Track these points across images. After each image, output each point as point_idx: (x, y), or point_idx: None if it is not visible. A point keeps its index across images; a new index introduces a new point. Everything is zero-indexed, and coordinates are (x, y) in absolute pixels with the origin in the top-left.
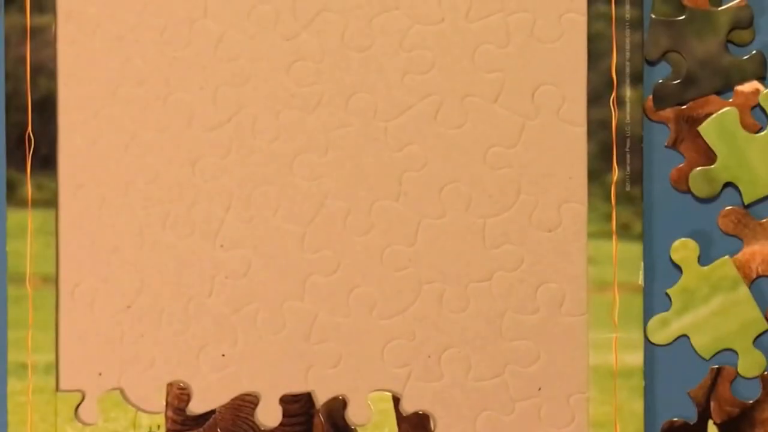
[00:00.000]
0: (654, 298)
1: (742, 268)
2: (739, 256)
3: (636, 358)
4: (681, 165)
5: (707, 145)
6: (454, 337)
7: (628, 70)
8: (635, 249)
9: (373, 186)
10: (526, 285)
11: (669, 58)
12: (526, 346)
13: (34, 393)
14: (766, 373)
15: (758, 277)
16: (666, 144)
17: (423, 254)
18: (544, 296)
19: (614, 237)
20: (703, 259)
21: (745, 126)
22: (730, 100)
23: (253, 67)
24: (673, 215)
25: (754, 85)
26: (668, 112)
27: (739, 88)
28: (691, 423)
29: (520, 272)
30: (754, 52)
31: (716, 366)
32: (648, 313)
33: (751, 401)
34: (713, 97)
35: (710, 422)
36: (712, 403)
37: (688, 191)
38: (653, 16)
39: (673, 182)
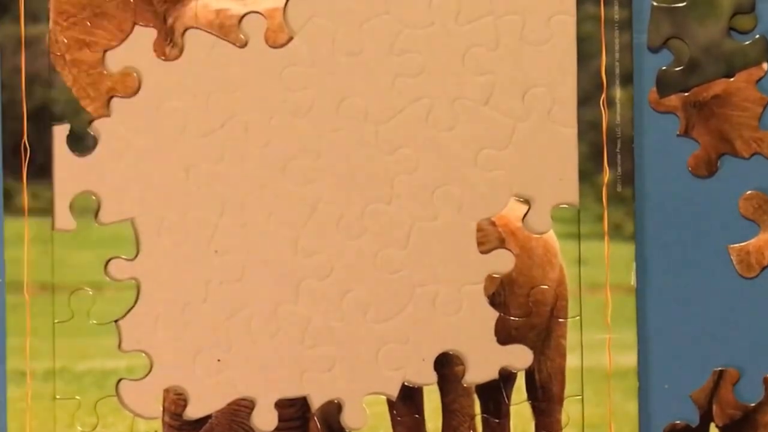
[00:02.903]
0: (646, 299)
1: (755, 254)
2: (754, 241)
3: (630, 359)
4: (696, 151)
5: (720, 127)
6: (448, 339)
7: (617, 70)
8: (627, 249)
9: (365, 189)
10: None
11: (671, 45)
12: (519, 349)
13: (33, 400)
14: None
15: None
16: (678, 132)
17: (416, 257)
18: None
19: (606, 238)
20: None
21: (752, 101)
22: (733, 79)
23: (245, 73)
24: (665, 215)
25: None
26: (674, 101)
27: None
28: (693, 426)
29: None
30: (757, 36)
31: (719, 368)
32: (641, 314)
33: (753, 404)
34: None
35: (712, 425)
36: (714, 406)
37: (708, 176)
38: (654, 4)
39: (692, 169)
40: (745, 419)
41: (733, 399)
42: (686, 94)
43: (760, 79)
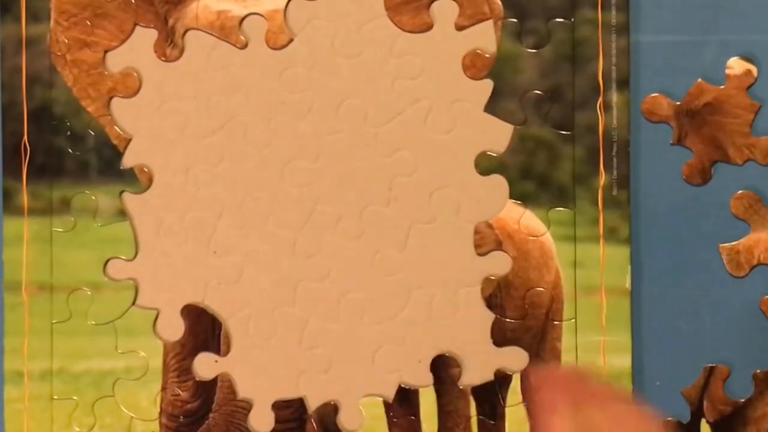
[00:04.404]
0: (641, 302)
1: (744, 253)
2: (744, 240)
3: (624, 361)
4: (690, 160)
5: (712, 135)
6: (445, 341)
7: (614, 74)
8: (622, 252)
9: (363, 191)
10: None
11: None
12: (515, 351)
13: (30, 400)
14: (758, 371)
15: (758, 264)
16: (671, 141)
17: (413, 259)
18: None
19: (601, 241)
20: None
21: (743, 107)
22: (722, 86)
23: (245, 74)
24: (660, 219)
25: (745, 65)
26: (667, 111)
27: (729, 71)
28: (684, 422)
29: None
30: None
31: (709, 365)
32: (635, 317)
33: (743, 400)
34: (706, 85)
35: (703, 421)
36: (704, 402)
37: (702, 184)
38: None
39: (686, 177)
40: (735, 414)
41: (723, 395)
42: (678, 103)
43: (750, 86)
